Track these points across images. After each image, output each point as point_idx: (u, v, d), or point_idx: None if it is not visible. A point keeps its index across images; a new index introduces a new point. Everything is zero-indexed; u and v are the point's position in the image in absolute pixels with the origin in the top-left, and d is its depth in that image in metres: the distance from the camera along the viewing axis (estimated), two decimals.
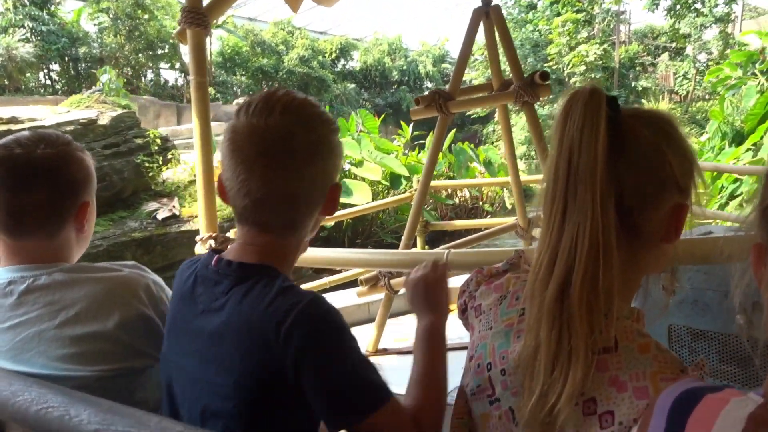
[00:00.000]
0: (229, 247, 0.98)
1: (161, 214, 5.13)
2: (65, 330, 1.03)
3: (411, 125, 11.69)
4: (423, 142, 12.98)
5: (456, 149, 10.54)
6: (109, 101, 6.33)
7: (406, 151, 10.88)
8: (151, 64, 21.62)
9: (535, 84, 2.40)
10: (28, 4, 18.30)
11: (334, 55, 28.50)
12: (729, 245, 0.64)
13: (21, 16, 17.89)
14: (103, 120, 7.04)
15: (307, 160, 0.90)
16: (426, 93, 2.56)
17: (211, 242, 2.19)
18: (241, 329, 0.85)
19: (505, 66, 2.55)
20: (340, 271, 3.25)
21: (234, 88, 24.24)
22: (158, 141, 6.23)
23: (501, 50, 2.58)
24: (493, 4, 2.49)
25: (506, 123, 2.76)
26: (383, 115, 12.50)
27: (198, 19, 2.13)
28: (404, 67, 31.44)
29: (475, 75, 24.72)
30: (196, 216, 5.37)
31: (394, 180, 8.72)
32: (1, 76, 17.22)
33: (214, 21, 2.30)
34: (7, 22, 17.93)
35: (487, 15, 2.48)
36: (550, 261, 0.74)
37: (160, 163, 6.06)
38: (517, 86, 2.43)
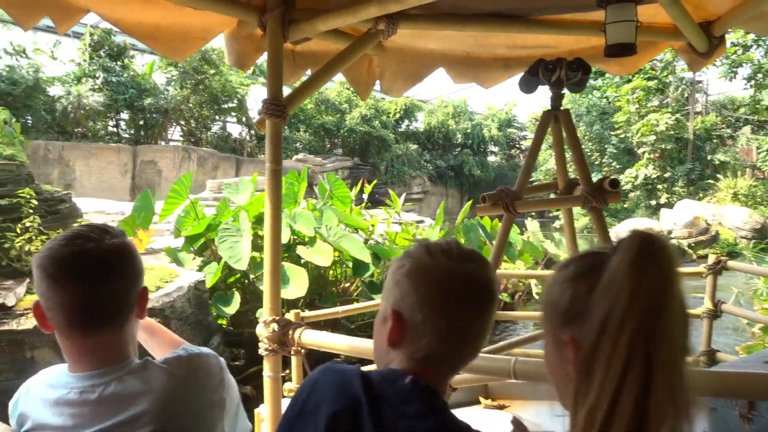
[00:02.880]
0: (417, 374, 1.00)
1: None
2: None
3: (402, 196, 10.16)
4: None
5: (467, 225, 8.83)
6: None
7: (397, 226, 9.20)
8: (217, 117, 22.91)
9: (604, 190, 2.53)
10: (103, 55, 19.98)
11: (397, 116, 29.40)
12: None
13: (95, 67, 19.53)
14: None
15: None
16: (494, 192, 2.72)
17: (274, 326, 2.34)
18: None
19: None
20: None
21: (296, 144, 25.29)
22: (33, 202, 4.78)
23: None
24: (563, 108, 2.67)
25: (570, 222, 2.87)
26: (373, 182, 10.55)
27: (278, 111, 2.31)
28: (468, 130, 32.05)
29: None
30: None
31: (359, 266, 6.88)
32: (70, 122, 18.68)
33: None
34: (81, 72, 19.60)
35: (556, 119, 2.66)
36: None
37: (27, 231, 4.53)
38: (585, 191, 2.56)
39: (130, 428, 1.08)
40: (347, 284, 7.41)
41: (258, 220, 6.59)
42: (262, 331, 2.32)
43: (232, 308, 6.11)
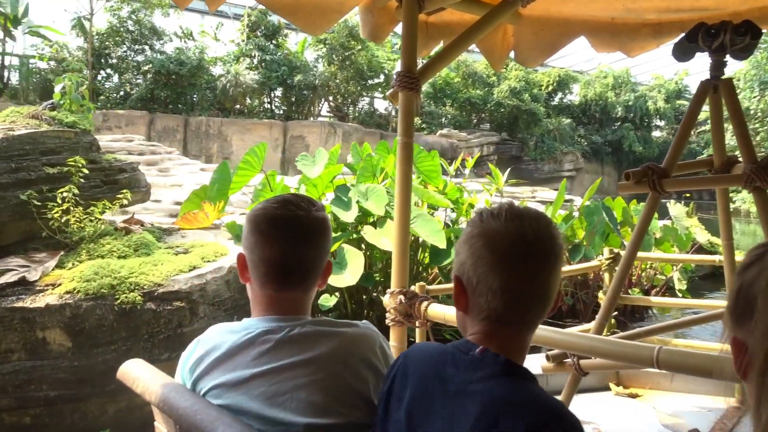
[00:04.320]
0: (484, 337, 1.09)
1: (3, 278, 3.69)
2: (316, 378, 1.21)
3: (507, 172, 8.40)
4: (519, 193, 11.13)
5: (590, 208, 7.56)
6: (46, 116, 5.03)
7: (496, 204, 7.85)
8: (364, 93, 23.62)
9: None
10: (259, 35, 21.35)
11: (550, 88, 28.32)
12: None
13: (251, 47, 20.94)
14: None
15: None
16: (639, 168, 2.56)
17: (401, 297, 2.43)
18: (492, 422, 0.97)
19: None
20: None
21: (441, 119, 25.36)
22: (84, 171, 4.54)
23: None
24: (724, 77, 2.44)
25: (725, 206, 2.64)
26: (476, 156, 8.61)
27: (411, 83, 2.36)
28: (630, 103, 30.04)
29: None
30: (59, 284, 3.65)
31: (438, 252, 5.93)
32: (228, 99, 20.26)
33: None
34: (239, 51, 21.14)
35: (716, 89, 2.44)
36: None
37: (68, 202, 4.27)
38: (749, 169, 2.33)
39: (305, 369, 1.22)
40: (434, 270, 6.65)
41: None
42: (389, 302, 2.41)
43: None
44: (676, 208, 8.36)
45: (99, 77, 19.96)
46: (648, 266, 7.60)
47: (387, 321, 2.43)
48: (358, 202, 5.56)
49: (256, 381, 1.21)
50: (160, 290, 3.70)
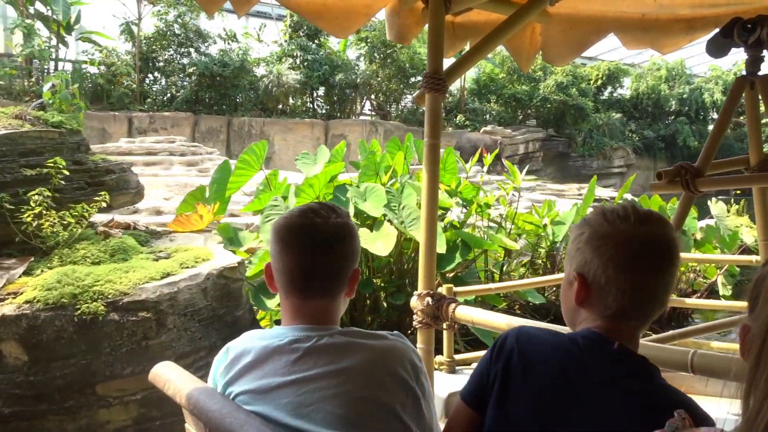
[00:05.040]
0: (607, 332, 1.16)
1: None
2: (343, 391, 1.20)
3: (524, 169, 7.82)
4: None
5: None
6: (31, 116, 4.78)
7: (513, 205, 7.12)
8: (406, 91, 23.64)
9: None
10: (302, 35, 21.63)
11: (599, 82, 27.75)
12: None
13: (293, 47, 21.22)
14: None
15: None
16: (672, 168, 2.53)
17: (429, 300, 2.46)
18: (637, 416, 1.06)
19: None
20: None
21: (485, 116, 25.14)
22: (64, 172, 4.29)
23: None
24: (761, 73, 2.39)
25: (763, 204, 2.58)
26: (494, 152, 8.09)
27: (438, 85, 2.39)
28: (685, 96, 29.17)
29: None
30: (23, 291, 3.39)
31: (441, 258, 5.22)
32: (271, 99, 20.59)
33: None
34: (281, 52, 21.45)
35: (752, 85, 2.39)
36: None
37: (41, 205, 3.99)
38: None
39: (332, 380, 1.22)
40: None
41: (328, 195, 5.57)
42: (417, 304, 2.44)
43: (275, 301, 4.94)
44: (717, 207, 7.90)
45: (146, 80, 20.56)
46: (688, 269, 7.21)
47: (414, 323, 2.47)
48: (355, 203, 5.27)
49: (283, 390, 1.22)
50: (125, 300, 3.43)
